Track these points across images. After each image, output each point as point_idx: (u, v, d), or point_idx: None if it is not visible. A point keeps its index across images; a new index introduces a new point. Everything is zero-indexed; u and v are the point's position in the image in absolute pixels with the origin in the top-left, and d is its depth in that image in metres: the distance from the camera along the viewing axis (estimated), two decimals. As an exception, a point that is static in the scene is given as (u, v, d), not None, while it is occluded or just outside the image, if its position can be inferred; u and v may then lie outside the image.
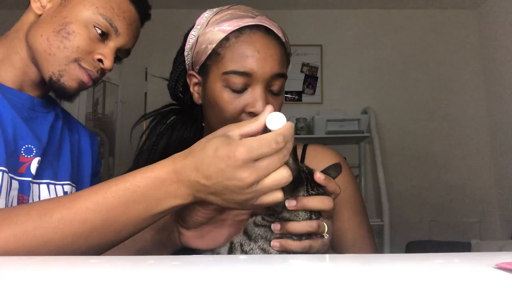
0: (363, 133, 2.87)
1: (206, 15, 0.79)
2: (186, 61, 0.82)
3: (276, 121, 0.52)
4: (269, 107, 0.54)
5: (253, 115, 0.72)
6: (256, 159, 0.49)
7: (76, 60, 0.77)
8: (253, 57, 0.72)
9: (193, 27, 0.80)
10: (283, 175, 0.51)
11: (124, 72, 2.82)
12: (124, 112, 2.88)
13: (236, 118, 0.73)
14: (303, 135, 2.94)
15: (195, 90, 0.81)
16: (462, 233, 2.79)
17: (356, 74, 3.16)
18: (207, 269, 0.39)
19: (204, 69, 0.77)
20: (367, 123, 2.92)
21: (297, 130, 2.98)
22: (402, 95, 3.13)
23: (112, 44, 0.80)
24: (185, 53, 0.81)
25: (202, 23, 0.78)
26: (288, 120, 0.53)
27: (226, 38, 0.73)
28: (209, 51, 0.75)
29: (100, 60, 0.79)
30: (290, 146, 0.52)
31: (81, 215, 0.51)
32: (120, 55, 0.85)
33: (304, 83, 3.19)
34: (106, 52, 0.79)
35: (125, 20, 0.80)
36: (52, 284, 0.32)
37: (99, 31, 0.77)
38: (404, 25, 3.21)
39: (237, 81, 0.72)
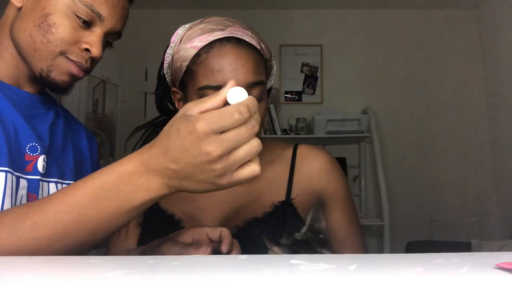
0: (363, 133, 2.87)
1: (179, 32, 0.79)
2: (167, 79, 0.83)
3: (238, 95, 0.50)
4: (231, 82, 0.52)
5: None
6: (221, 132, 0.47)
7: (63, 53, 0.74)
8: (224, 70, 0.72)
9: (169, 45, 0.80)
10: (254, 144, 0.49)
11: (124, 72, 2.81)
12: (124, 112, 2.87)
13: None
14: (303, 135, 2.94)
15: (180, 106, 0.82)
16: (462, 233, 2.79)
17: (356, 74, 3.16)
18: (207, 269, 0.39)
19: (183, 85, 0.79)
20: (367, 123, 2.92)
21: (297, 130, 2.98)
22: (402, 95, 3.13)
23: (98, 31, 0.75)
24: (165, 71, 0.82)
25: (176, 41, 0.78)
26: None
27: (197, 55, 0.74)
28: (184, 68, 0.76)
29: (87, 50, 0.75)
30: (257, 117, 0.50)
31: (53, 218, 0.50)
32: (110, 39, 0.80)
33: (304, 83, 3.19)
34: (92, 40, 0.75)
35: (108, 3, 0.75)
36: (51, 284, 0.32)
37: (81, 19, 0.73)
38: (404, 25, 3.21)
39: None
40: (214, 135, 0.47)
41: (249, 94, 0.72)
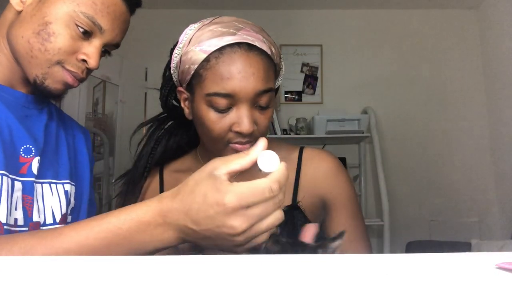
0: (363, 133, 2.88)
1: (188, 31, 0.76)
2: (174, 78, 0.81)
3: (269, 161, 0.49)
4: (262, 141, 0.51)
5: (240, 134, 0.72)
6: (248, 206, 0.47)
7: (59, 62, 0.73)
8: (234, 78, 0.70)
9: (177, 43, 0.78)
10: (277, 217, 0.49)
11: (124, 72, 2.81)
12: (124, 112, 2.87)
13: (223, 137, 0.73)
14: (303, 135, 2.94)
15: (185, 105, 0.81)
16: (462, 233, 2.79)
17: (356, 74, 3.16)
18: (207, 269, 0.39)
19: (190, 88, 0.77)
20: (367, 123, 2.92)
21: (297, 130, 2.98)
22: (402, 95, 3.13)
23: (97, 42, 0.75)
24: (172, 71, 0.81)
25: (184, 42, 0.76)
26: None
27: (207, 60, 0.72)
28: (192, 72, 0.74)
29: (84, 60, 0.75)
30: (284, 190, 0.50)
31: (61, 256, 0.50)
32: (108, 49, 0.80)
33: (304, 83, 3.19)
34: (90, 51, 0.74)
35: (109, 16, 0.74)
36: (50, 284, 0.32)
37: (82, 30, 0.73)
38: (404, 25, 3.21)
39: (220, 102, 0.71)
40: (241, 210, 0.47)
41: (258, 102, 0.73)
